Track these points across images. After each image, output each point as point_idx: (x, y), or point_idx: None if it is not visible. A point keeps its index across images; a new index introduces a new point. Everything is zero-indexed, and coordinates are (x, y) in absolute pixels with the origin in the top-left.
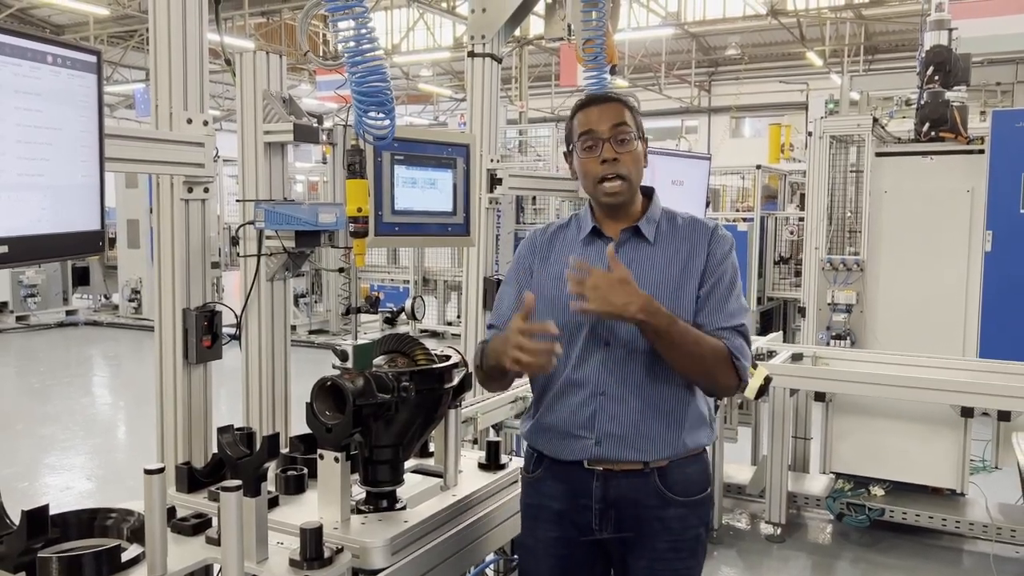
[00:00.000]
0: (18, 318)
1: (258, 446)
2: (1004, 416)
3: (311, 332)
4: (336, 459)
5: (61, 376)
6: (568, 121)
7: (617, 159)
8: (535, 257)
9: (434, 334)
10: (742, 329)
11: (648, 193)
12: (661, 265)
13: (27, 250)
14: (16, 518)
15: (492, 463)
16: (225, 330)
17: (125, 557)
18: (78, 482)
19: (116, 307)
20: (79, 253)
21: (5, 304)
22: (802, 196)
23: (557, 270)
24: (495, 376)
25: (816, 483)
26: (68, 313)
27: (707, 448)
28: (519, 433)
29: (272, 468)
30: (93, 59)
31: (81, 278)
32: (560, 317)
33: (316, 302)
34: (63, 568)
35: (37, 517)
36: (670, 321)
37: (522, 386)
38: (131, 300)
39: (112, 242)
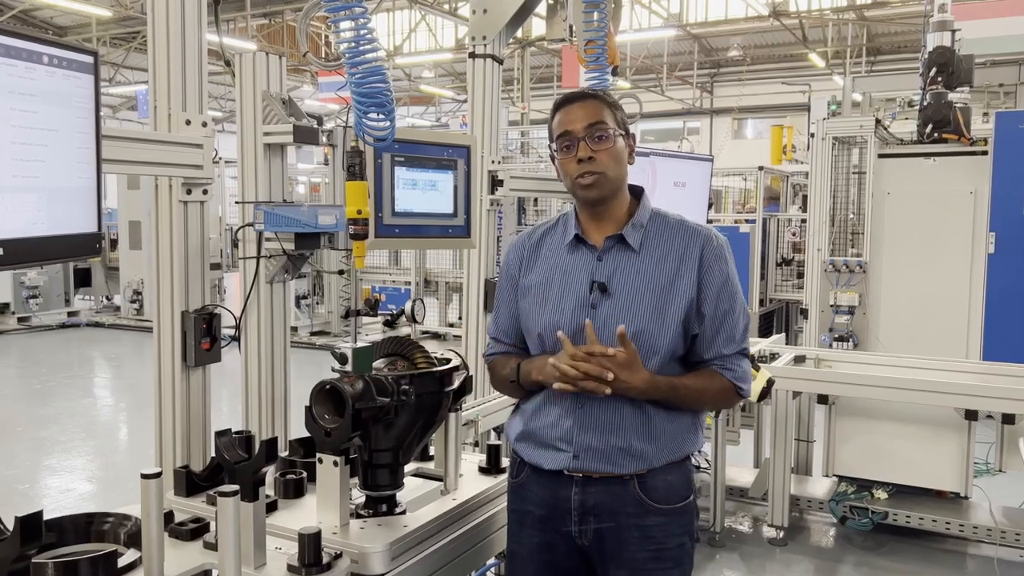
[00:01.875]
0: (20, 319)
1: (256, 450)
2: (1008, 419)
3: (312, 334)
4: (335, 463)
5: (62, 378)
6: (549, 121)
7: (593, 157)
8: (520, 267)
9: (436, 336)
10: (745, 351)
11: (637, 193)
12: (647, 274)
13: (23, 252)
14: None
15: (493, 467)
16: (227, 332)
17: (122, 562)
18: (79, 484)
19: (118, 309)
20: (76, 255)
21: (7, 305)
22: (804, 198)
23: (544, 274)
24: (530, 389)
25: (819, 486)
26: (70, 315)
27: (691, 455)
28: (506, 432)
29: (271, 472)
30: (90, 60)
31: (83, 280)
32: (542, 325)
33: (318, 304)
34: (59, 574)
35: (30, 523)
36: (670, 389)
37: None
38: (133, 302)
39: (114, 244)
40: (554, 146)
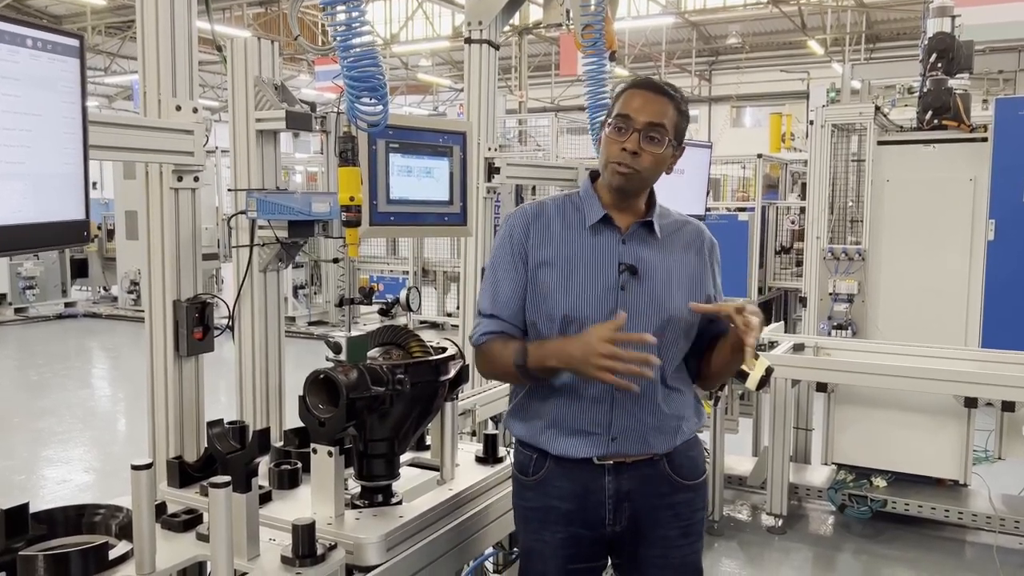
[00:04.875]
0: (16, 310)
1: (250, 440)
2: (1008, 406)
3: (310, 323)
4: (329, 453)
5: (59, 368)
6: (617, 95)
7: (638, 154)
8: (527, 237)
9: (433, 325)
10: None
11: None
12: (673, 263)
13: (7, 240)
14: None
15: (490, 456)
16: (222, 322)
17: (113, 554)
18: (76, 475)
19: (115, 299)
20: (63, 244)
21: (3, 296)
22: (803, 185)
23: (564, 253)
24: (539, 377)
25: (818, 474)
26: (67, 305)
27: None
28: (511, 431)
29: (265, 462)
30: (75, 43)
31: (80, 270)
32: (568, 306)
33: (315, 293)
34: (48, 566)
35: (16, 515)
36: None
37: None
38: (130, 292)
39: (111, 234)
40: (610, 120)
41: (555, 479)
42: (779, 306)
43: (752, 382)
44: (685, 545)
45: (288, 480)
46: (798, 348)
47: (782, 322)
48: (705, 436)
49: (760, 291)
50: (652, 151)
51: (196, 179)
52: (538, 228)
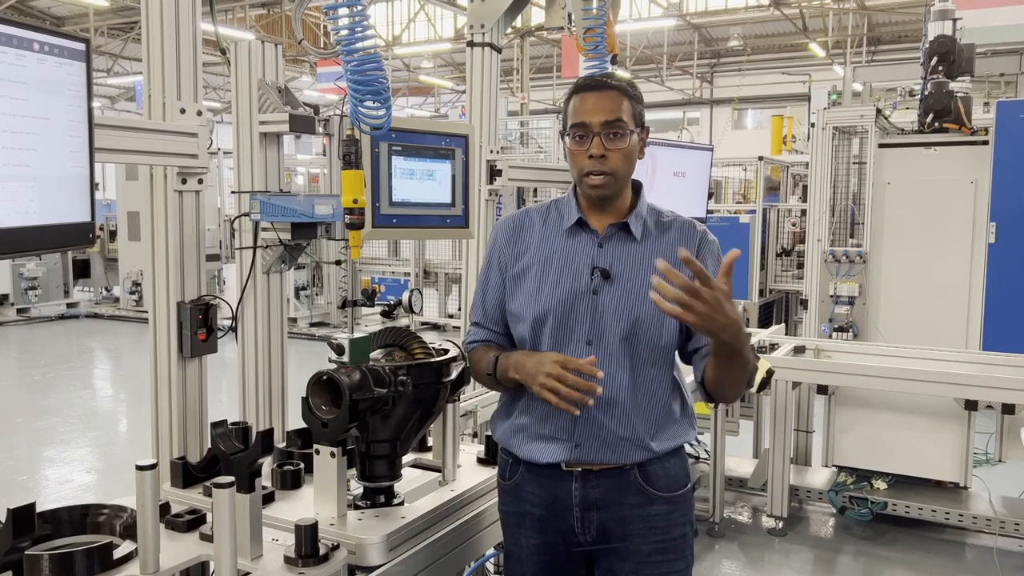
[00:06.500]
0: (19, 311)
1: (253, 441)
2: (1008, 409)
3: (312, 325)
4: (332, 454)
5: (61, 369)
6: (564, 102)
7: (605, 156)
8: (509, 247)
9: (435, 327)
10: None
11: (636, 188)
12: (648, 264)
13: (14, 243)
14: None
15: (491, 457)
16: (225, 323)
17: (117, 554)
18: (78, 475)
19: (117, 300)
20: (69, 246)
21: (6, 297)
22: (804, 188)
23: (540, 258)
24: (507, 386)
25: (818, 476)
26: (69, 306)
27: (686, 444)
28: (493, 436)
29: (268, 463)
30: (81, 47)
31: (82, 271)
32: (538, 309)
33: (317, 294)
34: (54, 565)
35: (23, 515)
36: (746, 343)
37: None
38: (132, 293)
39: (113, 234)
40: (567, 132)
41: (528, 484)
42: (780, 308)
43: (753, 384)
44: (663, 563)
45: (291, 481)
46: (799, 350)
47: (783, 324)
48: (706, 438)
49: (761, 293)
50: (618, 148)
51: (200, 181)
52: (518, 237)
